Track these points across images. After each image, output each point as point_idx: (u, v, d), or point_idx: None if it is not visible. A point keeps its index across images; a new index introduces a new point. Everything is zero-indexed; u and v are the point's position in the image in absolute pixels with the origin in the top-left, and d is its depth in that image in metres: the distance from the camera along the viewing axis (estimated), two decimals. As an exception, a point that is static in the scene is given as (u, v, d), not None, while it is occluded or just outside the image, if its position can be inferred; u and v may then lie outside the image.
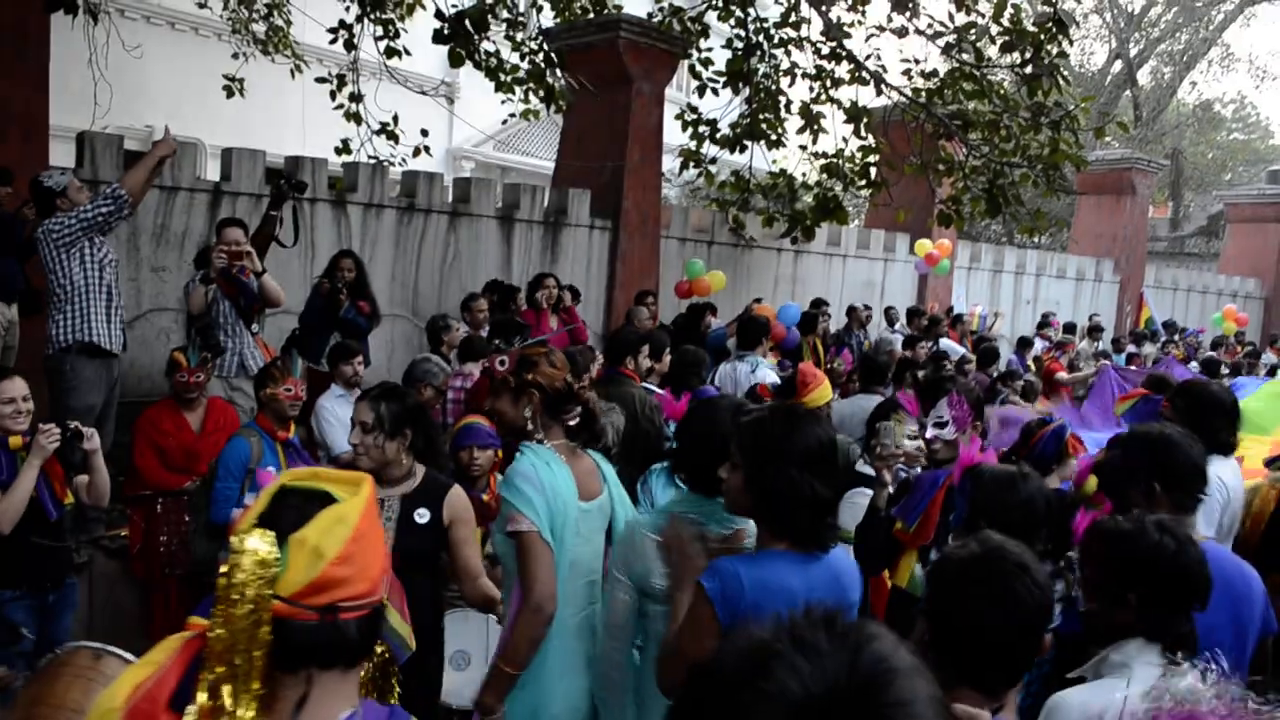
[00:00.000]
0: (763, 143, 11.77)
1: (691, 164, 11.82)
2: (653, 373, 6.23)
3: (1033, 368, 12.08)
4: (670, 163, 12.62)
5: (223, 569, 1.31)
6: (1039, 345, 13.45)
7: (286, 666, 1.35)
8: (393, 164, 10.34)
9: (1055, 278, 18.53)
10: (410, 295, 9.65)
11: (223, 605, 1.29)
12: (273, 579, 1.31)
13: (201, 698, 1.29)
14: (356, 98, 10.85)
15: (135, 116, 14.30)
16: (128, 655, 2.72)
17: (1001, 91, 11.03)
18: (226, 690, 1.29)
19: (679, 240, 12.03)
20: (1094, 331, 15.62)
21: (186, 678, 1.32)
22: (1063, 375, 11.53)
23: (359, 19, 10.24)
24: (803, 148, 11.88)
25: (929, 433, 3.91)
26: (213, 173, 9.03)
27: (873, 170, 12.18)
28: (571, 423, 3.14)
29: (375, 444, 3.42)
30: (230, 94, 11.84)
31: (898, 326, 12.85)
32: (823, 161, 12.00)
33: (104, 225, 5.74)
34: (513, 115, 12.14)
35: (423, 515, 3.47)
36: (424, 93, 10.11)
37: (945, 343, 11.58)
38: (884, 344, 10.98)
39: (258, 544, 1.31)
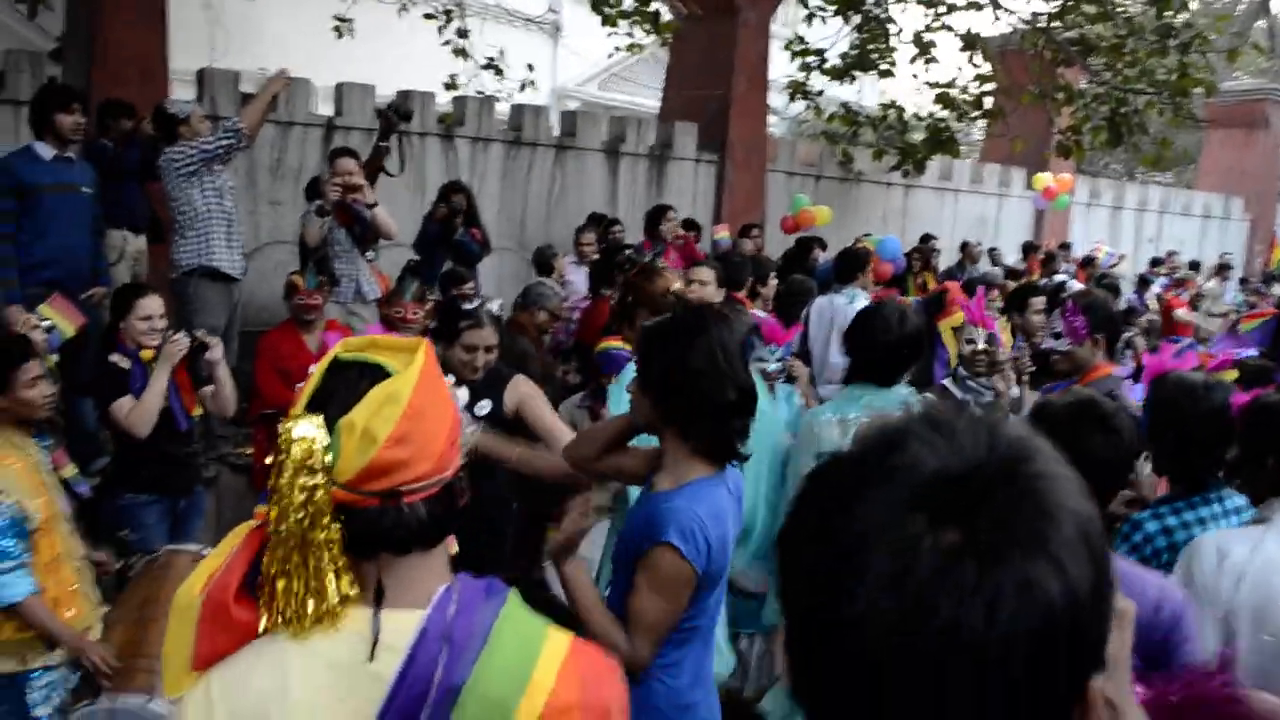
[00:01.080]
0: (872, 73, 11.48)
1: (799, 96, 11.59)
2: (758, 297, 6.19)
3: (1153, 305, 11.63)
4: (778, 98, 12.41)
5: (269, 459, 1.26)
6: (1159, 283, 12.95)
7: (359, 553, 1.28)
8: (499, 99, 10.37)
9: (1180, 215, 17.75)
10: (517, 229, 9.71)
11: (275, 496, 1.24)
12: (328, 466, 1.23)
13: (266, 588, 1.27)
14: (463, 33, 10.87)
15: (249, 59, 14.59)
16: None
17: (1126, 13, 10.54)
18: (281, 584, 1.25)
19: (785, 174, 11.86)
20: (1222, 270, 14.95)
21: (254, 566, 1.29)
22: (1182, 313, 11.07)
23: (465, -47, 10.26)
24: (914, 77, 11.53)
25: (1045, 343, 3.84)
26: (325, 108, 9.18)
27: (988, 100, 11.78)
28: None
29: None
30: (340, 34, 11.97)
31: (1006, 264, 12.47)
32: (935, 92, 11.65)
33: (222, 156, 5.92)
34: (618, 49, 12.04)
35: (484, 407, 3.50)
36: (530, 21, 10.06)
37: (1066, 279, 11.22)
38: (992, 277, 10.68)
39: (305, 430, 1.24)
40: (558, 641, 1.30)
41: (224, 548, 1.33)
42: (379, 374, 1.28)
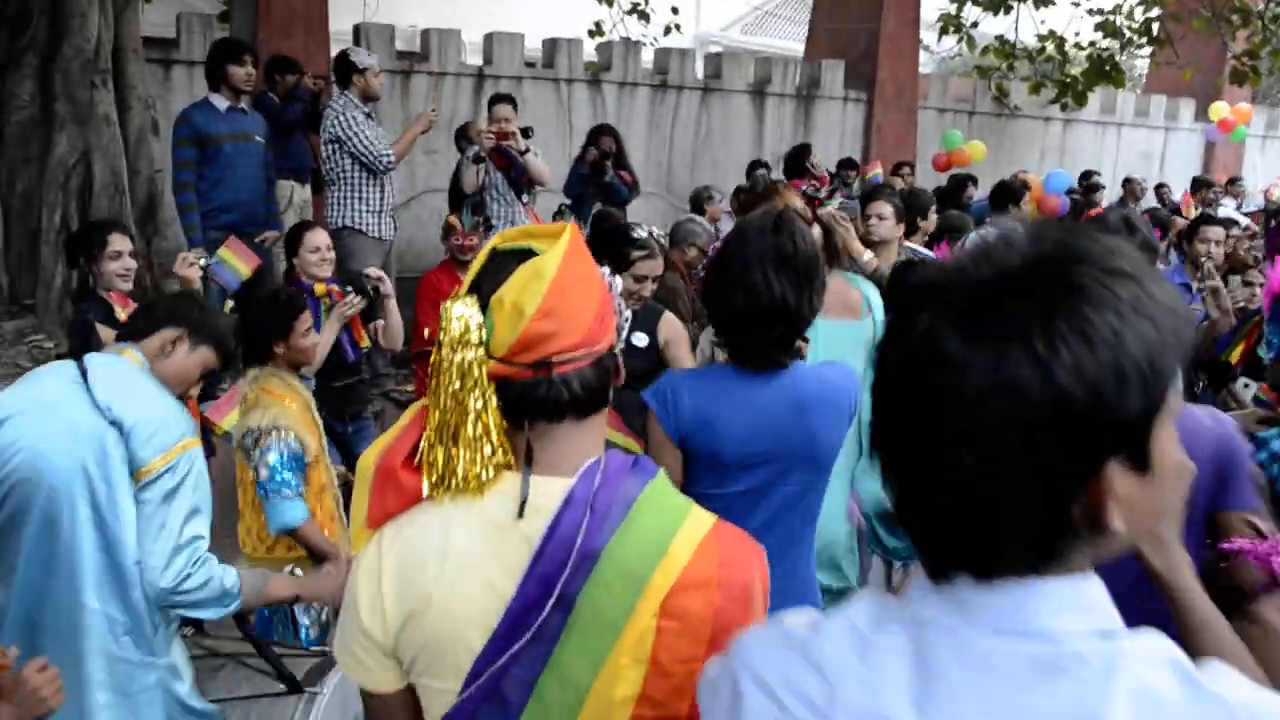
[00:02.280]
0: (1030, 2, 11.01)
1: (951, 29, 11.22)
2: (917, 231, 6.07)
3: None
4: (928, 34, 12.04)
5: (428, 333, 1.35)
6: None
7: (515, 422, 1.34)
8: (645, 44, 10.38)
9: (1367, 145, 16.53)
10: (664, 174, 9.74)
11: (435, 373, 1.32)
12: (483, 341, 1.30)
13: (429, 455, 1.35)
14: (608, -21, 10.91)
15: (401, 17, 14.97)
16: None
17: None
18: (441, 452, 1.33)
19: (937, 111, 11.53)
20: None
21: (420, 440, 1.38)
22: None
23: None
24: (1075, 4, 11.02)
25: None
26: (474, 59, 9.36)
27: (1155, 26, 11.18)
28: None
29: None
30: (487, -14, 12.19)
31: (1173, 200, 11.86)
32: (1098, 19, 11.11)
33: (364, 164, 6.13)
34: (763, -11, 11.88)
35: (641, 339, 3.59)
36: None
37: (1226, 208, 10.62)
38: (1158, 214, 10.17)
39: (461, 310, 1.31)
40: (700, 520, 1.34)
41: (398, 424, 1.41)
42: (528, 256, 1.34)
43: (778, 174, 8.89)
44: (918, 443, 0.86)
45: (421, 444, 1.35)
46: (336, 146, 6.09)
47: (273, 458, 3.16)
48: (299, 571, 2.73)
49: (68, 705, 2.11)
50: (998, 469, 0.82)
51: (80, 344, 4.10)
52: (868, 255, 4.44)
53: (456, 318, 1.30)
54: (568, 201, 7.55)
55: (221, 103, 5.83)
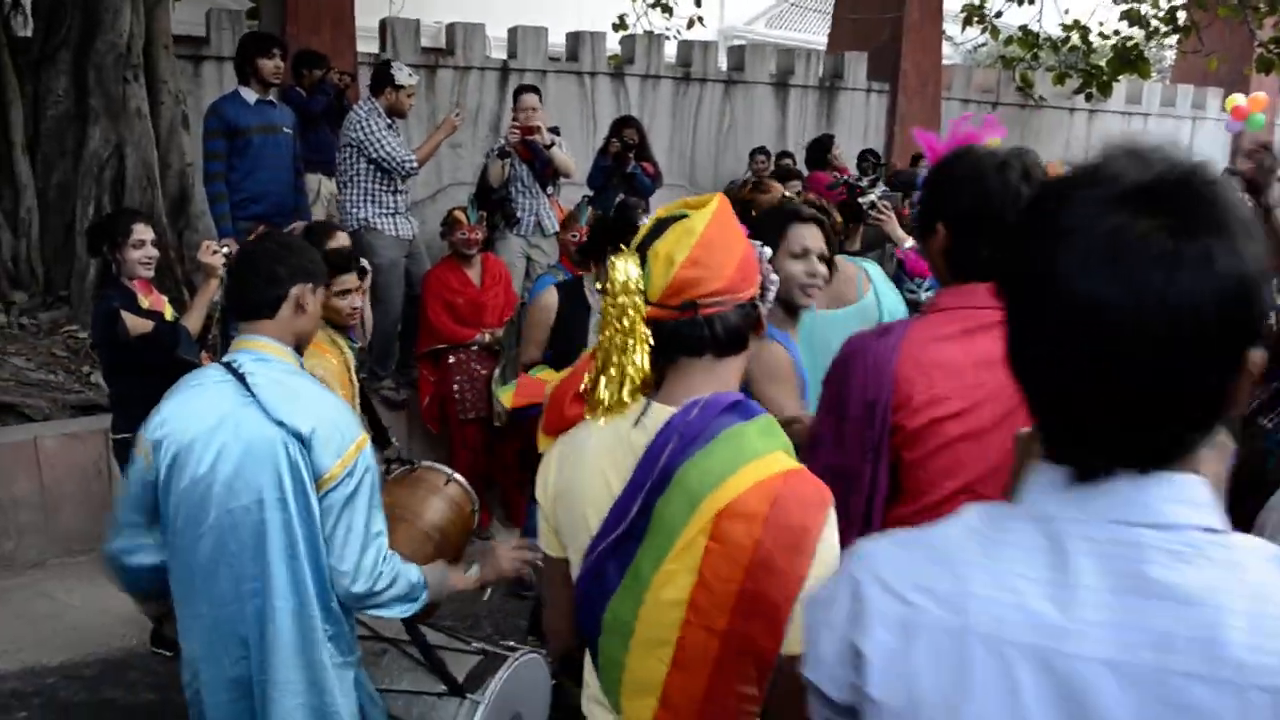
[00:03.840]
0: (1055, -9, 10.98)
1: (975, 20, 11.19)
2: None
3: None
4: (952, 25, 12.01)
5: (599, 285, 1.61)
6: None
7: (664, 358, 1.60)
8: (668, 37, 10.42)
9: (1400, 134, 16.34)
10: (688, 166, 9.79)
11: (605, 318, 1.57)
12: (641, 290, 1.55)
13: (590, 385, 1.63)
14: (631, -26, 10.96)
15: (426, 12, 15.05)
16: (464, 482, 3.06)
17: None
18: (604, 380, 1.58)
19: (961, 102, 11.50)
20: None
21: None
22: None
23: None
24: (1100, -6, 10.99)
25: None
26: (499, 53, 9.43)
27: (1181, 15, 11.11)
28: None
29: None
30: (511, -18, 12.25)
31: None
32: (1123, 8, 11.06)
33: (384, 169, 6.15)
34: (786, -19, 11.89)
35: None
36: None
37: None
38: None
39: (624, 265, 1.55)
40: (774, 462, 1.53)
41: (576, 364, 1.77)
42: (681, 219, 1.60)
43: (799, 164, 8.93)
44: (1112, 337, 0.89)
45: (584, 381, 1.63)
46: (354, 150, 6.15)
47: None
48: (474, 571, 2.70)
49: (284, 707, 2.33)
50: (1194, 354, 0.88)
51: (104, 332, 4.18)
52: (909, 241, 4.48)
53: (620, 269, 1.55)
54: (589, 193, 7.61)
55: (250, 95, 5.92)
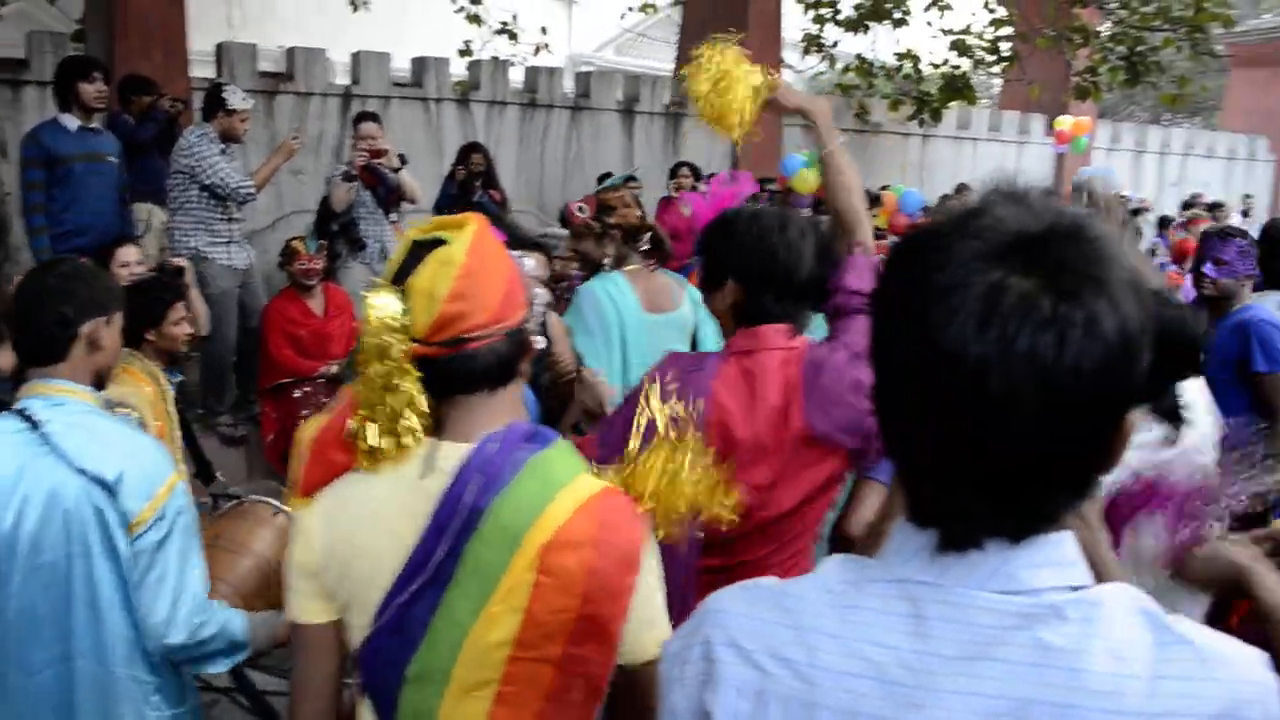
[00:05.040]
0: (887, 23, 11.43)
1: (813, 49, 11.57)
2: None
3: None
4: (792, 53, 12.37)
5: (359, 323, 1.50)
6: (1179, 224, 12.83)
7: (437, 395, 1.51)
8: (514, 63, 10.44)
9: (1203, 157, 17.54)
10: (536, 192, 9.80)
11: (361, 357, 1.47)
12: (405, 326, 1.44)
13: (357, 431, 1.51)
14: (475, -1, 10.94)
15: (266, 36, 14.72)
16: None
17: (1141, -50, 10.45)
18: (370, 427, 1.48)
19: (802, 128, 11.79)
20: (1247, 214, 14.79)
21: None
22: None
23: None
24: (929, 24, 11.48)
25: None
26: (342, 79, 9.28)
27: (1004, 46, 11.71)
28: (644, 249, 3.56)
29: None
30: (355, 7, 12.06)
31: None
32: (951, 39, 11.59)
33: (219, 196, 5.96)
34: (631, 9, 12.07)
35: (540, 341, 3.62)
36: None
37: None
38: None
39: (383, 300, 1.45)
40: (586, 484, 1.49)
41: (334, 405, 1.61)
42: (440, 245, 1.50)
43: (647, 191, 9.04)
44: (991, 403, 0.84)
45: (351, 424, 1.51)
46: (185, 177, 5.92)
47: None
48: None
49: None
50: (1077, 419, 0.85)
51: None
52: None
53: (378, 305, 1.45)
54: (436, 219, 7.54)
55: (72, 122, 5.67)
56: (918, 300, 0.88)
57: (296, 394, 5.74)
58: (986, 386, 0.83)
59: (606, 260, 3.73)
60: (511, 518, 1.43)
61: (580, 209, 3.70)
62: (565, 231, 6.73)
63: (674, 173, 8.90)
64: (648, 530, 1.51)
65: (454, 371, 1.49)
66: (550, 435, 1.55)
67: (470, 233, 1.50)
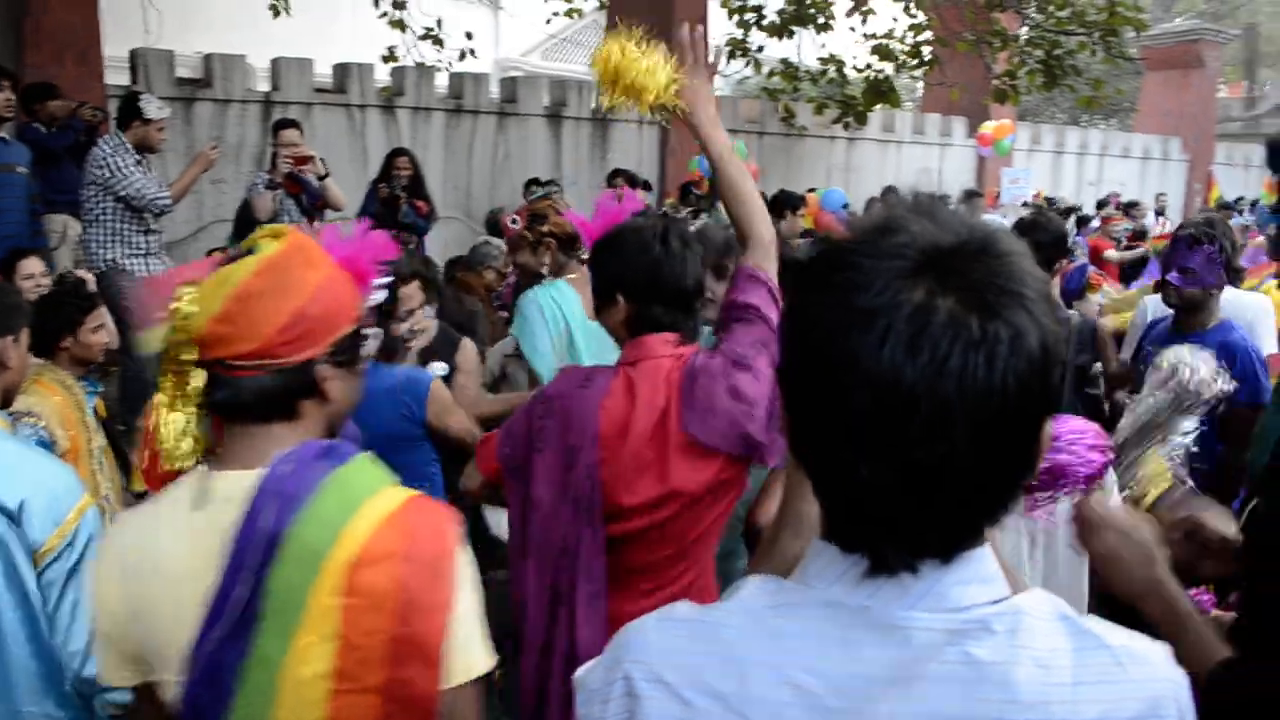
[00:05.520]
0: (811, 28, 11.54)
1: (739, 54, 11.64)
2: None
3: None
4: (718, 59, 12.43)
5: None
6: (1096, 224, 13.13)
7: (226, 418, 1.44)
8: (440, 69, 10.36)
9: (1119, 157, 18.04)
10: (463, 197, 9.74)
11: (161, 362, 1.41)
12: (188, 335, 1.37)
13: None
14: (399, 5, 10.82)
15: (185, 42, 14.41)
16: None
17: (1055, -44, 10.69)
18: (170, 426, 1.41)
19: (729, 132, 11.88)
20: (1159, 213, 15.21)
21: None
22: (1111, 253, 11.25)
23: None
24: (852, 29, 11.62)
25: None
26: (262, 85, 9.14)
27: (925, 50, 11.90)
28: (584, 256, 3.46)
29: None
30: (276, 13, 11.86)
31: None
32: (873, 43, 11.74)
33: (135, 207, 5.84)
34: (556, 14, 12.05)
35: (441, 368, 3.55)
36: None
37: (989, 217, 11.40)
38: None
39: (178, 303, 1.37)
40: (389, 497, 1.39)
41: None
42: (240, 259, 1.42)
43: (573, 193, 9.05)
44: (923, 424, 0.83)
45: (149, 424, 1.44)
46: (100, 188, 5.78)
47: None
48: None
49: None
50: (1005, 433, 0.85)
51: None
52: None
53: (176, 305, 1.37)
54: (361, 228, 7.44)
55: (-24, 132, 5.51)
56: (839, 322, 0.86)
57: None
58: (918, 408, 0.82)
59: (544, 269, 3.75)
60: (313, 538, 1.33)
61: (513, 220, 3.71)
62: (500, 241, 6.70)
63: (610, 181, 8.94)
64: (461, 542, 1.41)
65: (213, 396, 1.40)
66: (348, 451, 1.43)
67: (271, 250, 1.41)
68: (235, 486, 1.37)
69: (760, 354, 2.08)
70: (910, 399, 0.82)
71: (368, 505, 1.35)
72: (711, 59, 2.29)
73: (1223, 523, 1.72)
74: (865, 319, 0.84)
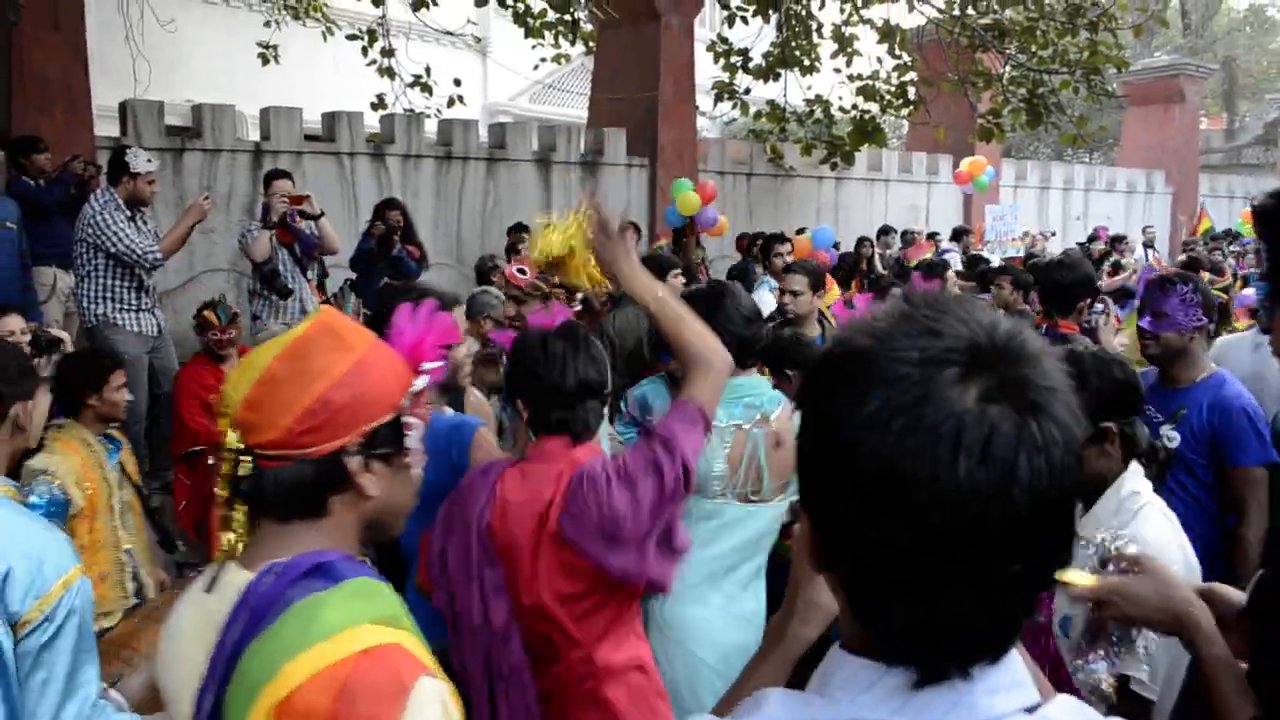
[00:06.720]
0: (796, 70, 11.65)
1: (725, 96, 11.74)
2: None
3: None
4: (705, 100, 12.54)
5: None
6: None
7: (254, 513, 1.39)
8: (429, 115, 10.40)
9: (1104, 191, 18.19)
10: (454, 244, 9.75)
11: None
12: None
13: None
14: (388, 53, 10.89)
15: (174, 91, 14.48)
16: None
17: (1037, -3, 10.83)
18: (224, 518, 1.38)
19: (717, 174, 11.99)
20: (1149, 246, 15.31)
21: None
22: (1100, 283, 11.34)
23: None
24: (837, 71, 11.73)
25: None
26: (252, 134, 9.16)
27: (910, 90, 12.02)
28: (576, 308, 3.54)
29: None
30: (265, 61, 11.91)
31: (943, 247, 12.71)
32: (858, 84, 11.85)
33: (127, 263, 5.85)
34: (544, 60, 12.13)
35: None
36: (450, 33, 10.13)
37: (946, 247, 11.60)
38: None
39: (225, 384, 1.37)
40: (344, 643, 1.22)
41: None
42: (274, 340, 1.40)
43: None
44: (990, 533, 0.82)
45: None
46: (90, 245, 5.79)
47: (33, 499, 3.28)
48: None
49: None
50: (1053, 527, 0.86)
51: None
52: None
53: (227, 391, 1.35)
54: (353, 276, 7.46)
55: (-37, 188, 5.50)
56: (906, 442, 0.82)
57: (211, 461, 5.57)
58: (988, 517, 0.81)
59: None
60: (256, 669, 1.23)
61: (520, 271, 3.68)
62: (498, 291, 6.68)
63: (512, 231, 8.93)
64: (407, 710, 1.20)
65: (239, 486, 1.33)
66: (342, 572, 1.30)
67: (297, 332, 1.35)
68: (233, 584, 1.33)
69: (648, 475, 2.16)
70: (983, 511, 0.81)
71: (319, 647, 1.21)
72: (620, 224, 2.43)
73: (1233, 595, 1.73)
74: (932, 434, 0.81)
